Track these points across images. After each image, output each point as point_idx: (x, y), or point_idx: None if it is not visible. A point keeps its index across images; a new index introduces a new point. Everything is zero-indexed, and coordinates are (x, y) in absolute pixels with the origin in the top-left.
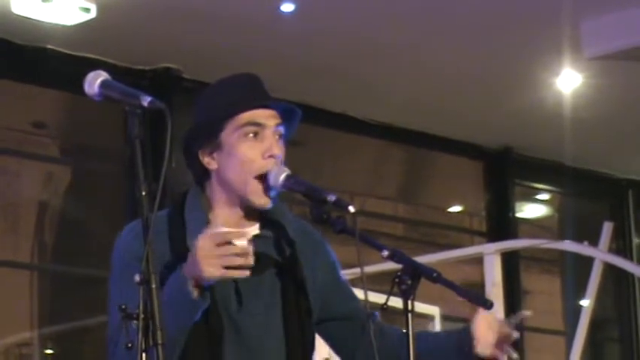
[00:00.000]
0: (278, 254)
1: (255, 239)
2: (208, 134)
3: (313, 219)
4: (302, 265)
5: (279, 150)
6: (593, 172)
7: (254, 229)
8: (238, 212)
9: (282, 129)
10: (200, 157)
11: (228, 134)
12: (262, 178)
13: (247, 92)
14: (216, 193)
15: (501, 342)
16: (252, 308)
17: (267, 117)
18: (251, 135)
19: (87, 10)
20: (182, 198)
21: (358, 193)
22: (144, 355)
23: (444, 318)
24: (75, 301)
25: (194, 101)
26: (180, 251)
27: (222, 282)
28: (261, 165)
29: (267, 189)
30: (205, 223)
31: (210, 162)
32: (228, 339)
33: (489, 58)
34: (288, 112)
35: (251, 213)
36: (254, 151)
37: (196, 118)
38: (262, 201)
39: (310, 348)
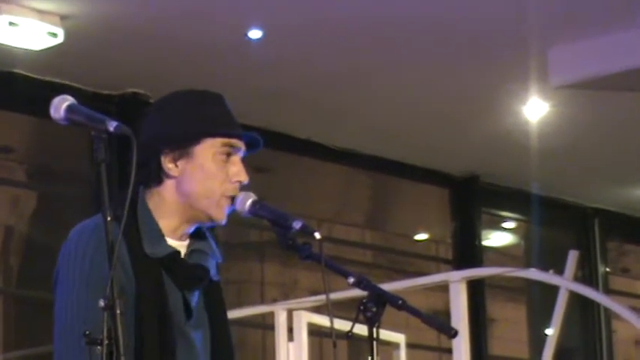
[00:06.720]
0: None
1: (193, 252)
2: (181, 142)
3: (279, 245)
4: (221, 282)
5: (246, 177)
6: (559, 201)
7: (189, 242)
8: (183, 224)
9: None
10: (161, 161)
11: (203, 149)
12: (230, 199)
13: (226, 116)
14: (167, 199)
15: None
16: (196, 321)
17: (240, 145)
18: (224, 156)
19: (54, 35)
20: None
21: (325, 220)
22: None
23: (410, 346)
24: (40, 326)
25: (156, 104)
26: (139, 258)
27: (174, 294)
28: (229, 188)
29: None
30: (159, 232)
31: (172, 168)
32: (180, 350)
33: (456, 86)
34: (251, 141)
35: (191, 227)
36: (223, 172)
37: (166, 122)
38: (222, 217)
39: None
